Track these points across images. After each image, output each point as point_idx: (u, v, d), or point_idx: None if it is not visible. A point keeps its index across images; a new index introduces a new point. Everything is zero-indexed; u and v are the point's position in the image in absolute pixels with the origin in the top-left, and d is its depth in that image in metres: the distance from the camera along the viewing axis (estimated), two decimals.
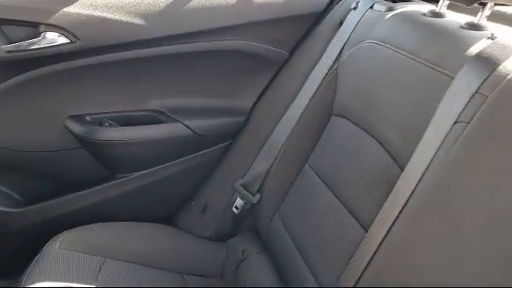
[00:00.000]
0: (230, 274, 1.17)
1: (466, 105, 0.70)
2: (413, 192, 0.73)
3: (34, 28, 1.05)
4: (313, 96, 1.11)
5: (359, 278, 0.78)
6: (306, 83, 1.13)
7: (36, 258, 1.03)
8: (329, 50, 1.12)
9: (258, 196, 1.18)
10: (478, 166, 0.66)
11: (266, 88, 1.27)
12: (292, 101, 1.16)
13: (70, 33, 1.06)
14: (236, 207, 1.22)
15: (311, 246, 0.98)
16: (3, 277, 1.14)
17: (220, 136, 1.28)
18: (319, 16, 1.20)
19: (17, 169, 1.18)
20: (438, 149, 0.72)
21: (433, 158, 0.72)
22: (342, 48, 1.08)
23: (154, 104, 1.22)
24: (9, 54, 1.04)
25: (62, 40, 1.06)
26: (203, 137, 1.25)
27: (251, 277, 1.12)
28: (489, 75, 0.70)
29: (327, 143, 1.06)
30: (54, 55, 1.07)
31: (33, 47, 1.05)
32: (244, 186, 1.21)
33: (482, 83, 0.70)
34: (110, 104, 1.19)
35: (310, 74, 1.14)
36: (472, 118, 0.69)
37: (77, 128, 1.17)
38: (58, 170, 1.21)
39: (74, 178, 1.22)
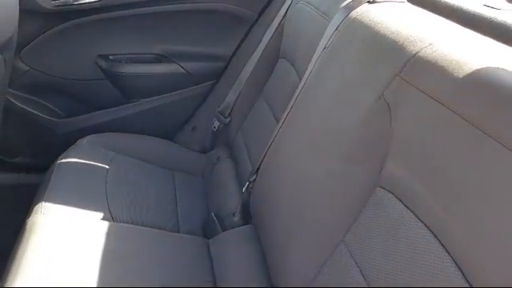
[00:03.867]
0: (208, 172, 1.60)
1: (330, 38, 1.10)
2: (299, 93, 1.14)
3: None
4: (267, 44, 1.52)
5: (267, 150, 1.20)
6: (265, 35, 1.55)
7: (68, 149, 1.50)
8: (282, 9, 1.52)
9: (228, 118, 1.61)
10: (328, 75, 1.06)
11: (242, 40, 1.69)
12: (256, 49, 1.58)
13: None
14: (214, 127, 1.65)
15: (254, 148, 1.41)
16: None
17: (207, 76, 1.72)
18: None
19: (61, 91, 1.66)
20: (313, 67, 1.12)
21: (310, 72, 1.13)
22: (288, 8, 1.48)
23: (158, 49, 1.67)
24: (56, 8, 1.50)
25: None
26: (194, 75, 1.70)
27: (221, 173, 1.55)
28: (344, 18, 1.09)
29: (273, 78, 1.48)
30: (87, 9, 1.53)
31: (74, 2, 1.51)
32: (220, 112, 1.64)
33: (339, 24, 1.09)
34: (126, 47, 1.66)
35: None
36: (329, 45, 1.08)
37: (103, 64, 1.64)
38: (90, 94, 1.69)
39: (100, 100, 1.70)
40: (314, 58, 1.14)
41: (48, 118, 1.67)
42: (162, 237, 1.23)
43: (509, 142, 0.60)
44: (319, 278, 0.88)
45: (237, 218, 1.30)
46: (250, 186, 1.25)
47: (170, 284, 1.08)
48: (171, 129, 1.77)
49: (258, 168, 1.22)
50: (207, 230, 1.33)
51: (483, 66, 0.70)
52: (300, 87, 1.15)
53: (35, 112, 1.65)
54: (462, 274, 0.61)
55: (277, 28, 1.50)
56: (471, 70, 0.71)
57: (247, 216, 1.29)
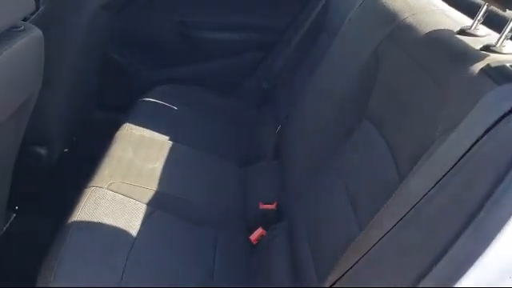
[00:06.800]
0: (254, 123, 1.93)
1: (354, 11, 1.40)
2: (327, 55, 1.45)
3: None
4: (313, 19, 1.83)
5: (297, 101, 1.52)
6: (313, 12, 1.86)
7: (146, 93, 1.88)
8: None
9: (276, 81, 1.95)
10: (345, 37, 1.36)
11: (295, 15, 2.01)
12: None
13: None
14: (264, 88, 2.00)
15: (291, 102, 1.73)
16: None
17: (263, 44, 2.09)
18: None
19: (146, 48, 2.09)
20: (339, 34, 1.43)
21: (337, 39, 1.43)
22: None
23: (225, 19, 2.07)
24: None
25: None
26: (252, 43, 2.07)
27: (264, 123, 1.86)
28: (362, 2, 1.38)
29: (314, 48, 1.79)
30: None
31: None
32: (270, 75, 1.99)
33: (363, 1, 1.38)
34: (200, 16, 2.06)
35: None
36: (352, 17, 1.38)
37: (181, 28, 2.05)
38: (168, 52, 2.10)
39: (175, 58, 2.10)
40: (342, 28, 1.44)
41: (133, 68, 2.09)
42: (213, 159, 1.59)
43: (437, 78, 0.88)
44: (315, 183, 1.19)
45: (269, 155, 1.63)
46: (281, 128, 1.58)
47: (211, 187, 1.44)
48: (229, 87, 2.13)
49: (288, 115, 1.55)
50: (247, 162, 1.67)
51: (441, 31, 0.99)
52: (329, 51, 1.46)
53: (124, 63, 2.08)
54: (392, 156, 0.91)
55: (323, 6, 1.80)
56: (433, 33, 0.99)
57: (277, 154, 1.61)
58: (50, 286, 1.00)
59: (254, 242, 1.29)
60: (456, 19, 1.03)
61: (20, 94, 1.12)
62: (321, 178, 1.19)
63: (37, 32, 1.10)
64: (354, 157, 1.10)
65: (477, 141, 0.65)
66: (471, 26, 0.93)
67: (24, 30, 1.05)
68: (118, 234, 1.18)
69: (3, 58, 0.94)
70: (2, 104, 1.02)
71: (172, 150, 1.52)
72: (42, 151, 1.60)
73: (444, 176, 0.68)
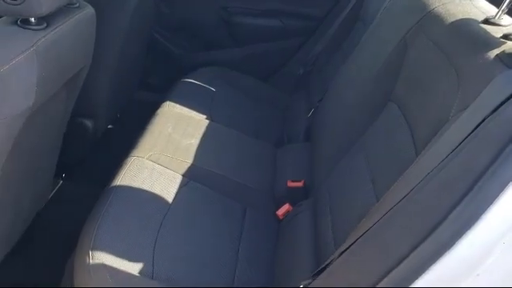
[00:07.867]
0: (288, 108, 2.01)
1: (389, 1, 1.44)
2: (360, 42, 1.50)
3: None
4: (350, 9, 1.88)
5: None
6: (350, 2, 1.90)
7: (188, 74, 1.98)
8: None
9: (311, 67, 2.01)
10: (379, 25, 1.40)
11: (333, 5, 2.06)
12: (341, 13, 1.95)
13: None
14: (299, 73, 2.06)
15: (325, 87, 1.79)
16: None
17: (300, 31, 2.15)
18: None
19: (189, 32, 2.19)
20: (374, 22, 1.47)
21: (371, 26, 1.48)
22: None
23: (265, 6, 2.13)
24: None
25: None
26: (290, 30, 2.14)
27: (297, 107, 1.94)
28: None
29: (350, 36, 1.83)
30: None
31: None
32: (305, 62, 2.04)
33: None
34: (241, 2, 2.13)
35: None
36: (387, 6, 1.43)
37: (223, 14, 2.13)
38: (210, 36, 2.20)
39: (216, 42, 2.19)
40: (377, 16, 1.49)
41: (177, 51, 2.20)
42: (247, 139, 1.67)
43: (457, 65, 0.93)
44: (341, 162, 1.26)
45: (301, 137, 1.70)
46: (313, 112, 1.64)
47: (243, 164, 1.52)
48: (266, 71, 2.22)
49: (321, 99, 1.61)
50: (279, 144, 1.74)
51: (466, 20, 1.02)
52: (362, 39, 1.51)
53: (168, 46, 2.19)
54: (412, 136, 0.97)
55: None
56: (458, 21, 1.03)
57: (309, 136, 1.68)
58: (91, 243, 1.10)
59: (281, 217, 1.37)
60: (483, 9, 1.07)
61: (72, 65, 1.22)
62: (347, 157, 1.25)
63: (90, 9, 1.20)
64: (379, 137, 1.16)
65: (484, 119, 0.70)
66: (495, 16, 0.97)
67: (79, 6, 1.16)
68: (154, 200, 1.27)
69: (60, 31, 1.05)
70: (56, 74, 1.13)
71: (208, 128, 1.61)
72: (89, 123, 1.72)
73: (452, 151, 0.74)
